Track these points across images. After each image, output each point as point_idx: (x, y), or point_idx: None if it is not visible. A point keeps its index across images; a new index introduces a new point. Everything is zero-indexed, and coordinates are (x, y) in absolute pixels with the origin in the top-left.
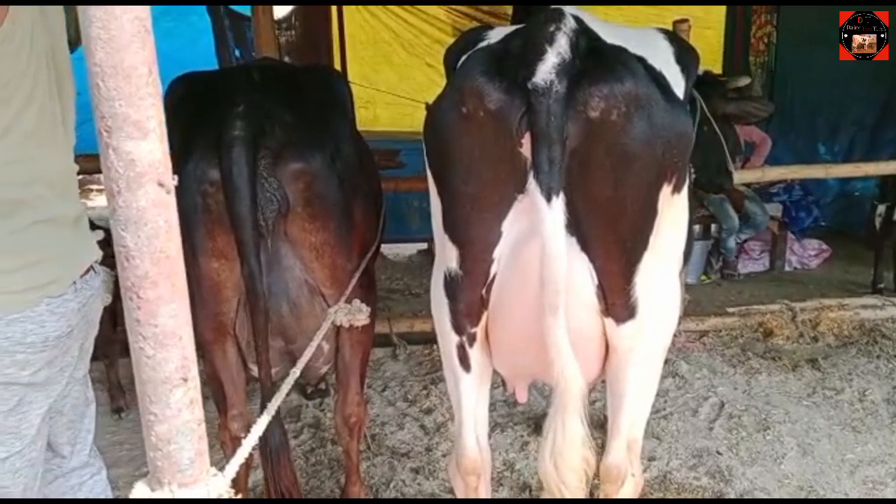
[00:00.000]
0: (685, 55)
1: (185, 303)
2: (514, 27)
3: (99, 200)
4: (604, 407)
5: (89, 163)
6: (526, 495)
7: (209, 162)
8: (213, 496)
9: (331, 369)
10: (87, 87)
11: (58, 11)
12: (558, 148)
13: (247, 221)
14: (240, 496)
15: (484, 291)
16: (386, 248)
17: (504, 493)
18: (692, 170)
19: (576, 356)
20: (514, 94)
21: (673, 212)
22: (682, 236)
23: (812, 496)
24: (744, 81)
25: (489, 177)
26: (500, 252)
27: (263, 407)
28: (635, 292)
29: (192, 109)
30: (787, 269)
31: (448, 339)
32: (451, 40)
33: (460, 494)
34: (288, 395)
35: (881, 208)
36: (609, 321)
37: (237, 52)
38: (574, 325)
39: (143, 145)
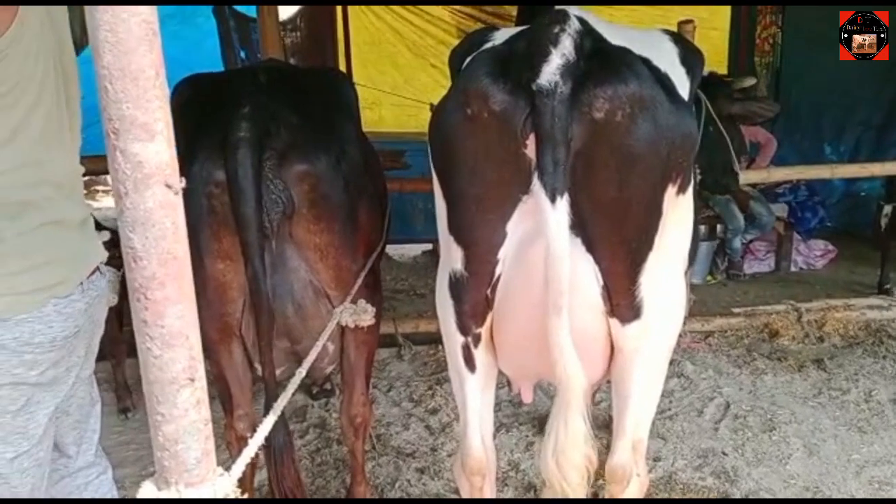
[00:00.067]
0: (690, 56)
1: (193, 304)
2: (518, 28)
3: (105, 201)
4: (609, 407)
5: (94, 164)
6: (531, 495)
7: (215, 163)
8: (220, 496)
9: (336, 369)
10: (94, 90)
11: (63, 12)
12: (563, 149)
13: (252, 223)
14: (246, 496)
15: (489, 292)
16: (391, 249)
17: (509, 494)
18: (698, 170)
19: (581, 356)
20: (518, 96)
21: (678, 212)
22: (687, 237)
23: (818, 496)
24: (749, 82)
25: (494, 178)
26: (504, 253)
27: (268, 407)
28: (640, 293)
29: (198, 111)
30: (792, 269)
31: (453, 340)
32: (456, 42)
33: (465, 494)
34: (293, 395)
35: (887, 208)
36: (614, 322)
37: (242, 54)
38: (579, 325)
39: (151, 147)
